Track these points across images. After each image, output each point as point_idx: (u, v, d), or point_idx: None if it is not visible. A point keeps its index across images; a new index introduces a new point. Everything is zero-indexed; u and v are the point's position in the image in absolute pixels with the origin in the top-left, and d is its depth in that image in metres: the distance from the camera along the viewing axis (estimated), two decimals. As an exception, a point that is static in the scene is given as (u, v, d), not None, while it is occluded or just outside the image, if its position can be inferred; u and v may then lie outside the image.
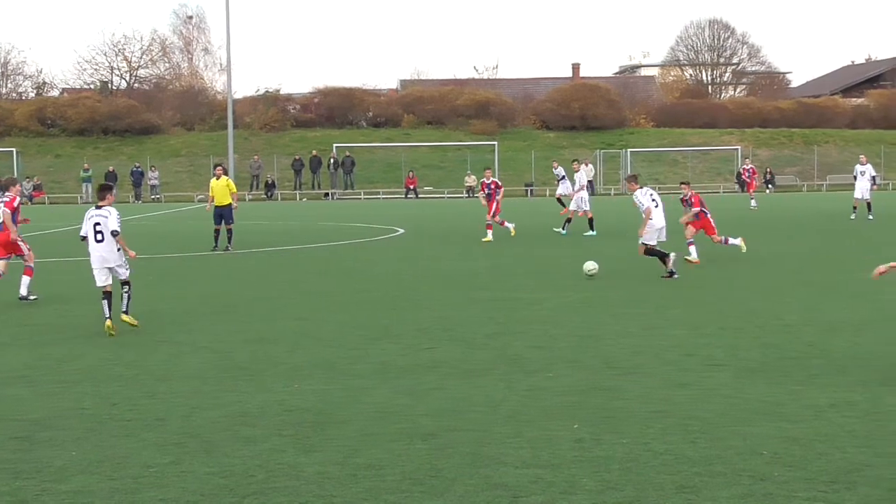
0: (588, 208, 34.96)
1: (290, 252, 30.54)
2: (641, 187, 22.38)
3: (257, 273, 24.67)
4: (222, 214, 30.42)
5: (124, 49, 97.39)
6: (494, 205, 32.45)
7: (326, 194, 76.03)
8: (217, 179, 30.67)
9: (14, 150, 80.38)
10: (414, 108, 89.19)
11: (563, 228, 34.41)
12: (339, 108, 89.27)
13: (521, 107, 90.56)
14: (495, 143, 79.76)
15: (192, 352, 14.38)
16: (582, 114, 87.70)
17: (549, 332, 15.47)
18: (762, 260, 25.17)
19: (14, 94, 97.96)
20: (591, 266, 21.99)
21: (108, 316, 15.89)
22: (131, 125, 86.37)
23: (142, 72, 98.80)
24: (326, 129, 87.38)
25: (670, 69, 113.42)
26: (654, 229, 21.80)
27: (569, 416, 10.30)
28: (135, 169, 76.65)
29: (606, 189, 79.07)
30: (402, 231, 37.51)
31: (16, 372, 12.98)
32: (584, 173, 36.09)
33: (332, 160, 77.10)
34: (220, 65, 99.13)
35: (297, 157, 78.30)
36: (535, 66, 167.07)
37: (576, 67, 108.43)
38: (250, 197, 74.18)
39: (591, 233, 34.11)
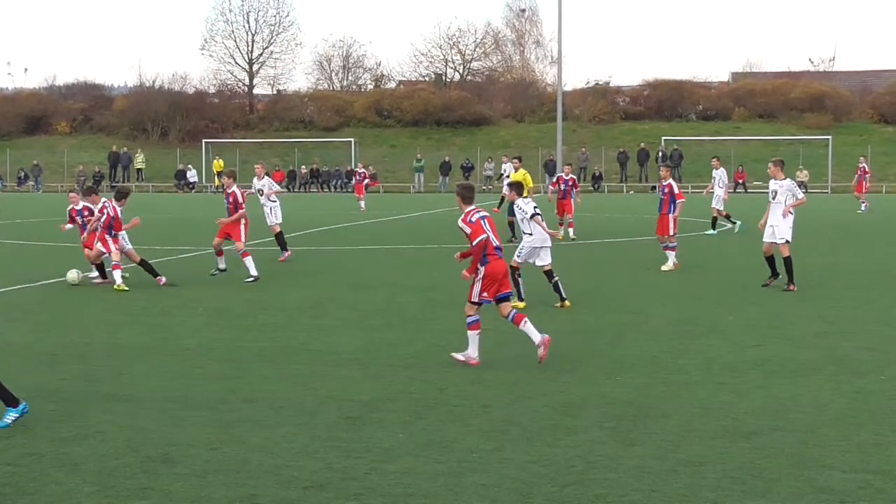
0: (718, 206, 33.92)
1: (619, 245, 30.49)
2: None
3: (586, 265, 24.76)
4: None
5: (459, 42, 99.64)
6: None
7: (653, 187, 75.43)
8: (515, 171, 31.17)
9: (353, 139, 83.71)
10: (745, 101, 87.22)
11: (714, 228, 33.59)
12: (668, 101, 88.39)
13: (859, 100, 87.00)
14: (829, 137, 77.01)
15: (516, 341, 14.58)
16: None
17: (883, 333, 14.86)
18: None
19: (354, 87, 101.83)
20: (72, 276, 20.93)
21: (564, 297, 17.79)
22: (463, 116, 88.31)
23: (475, 64, 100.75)
24: (655, 122, 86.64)
25: None
26: None
27: (901, 422, 9.88)
28: (465, 164, 78.27)
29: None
30: (739, 223, 36.75)
31: (349, 354, 13.52)
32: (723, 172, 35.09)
33: (660, 153, 76.44)
34: (551, 57, 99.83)
35: (622, 150, 77.99)
36: (876, 57, 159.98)
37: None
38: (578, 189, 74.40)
39: (712, 231, 33.36)
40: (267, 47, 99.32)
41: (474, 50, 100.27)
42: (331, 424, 9.91)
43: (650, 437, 9.38)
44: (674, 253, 22.82)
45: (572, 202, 32.06)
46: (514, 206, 18.52)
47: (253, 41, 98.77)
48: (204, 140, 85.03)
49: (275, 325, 16.02)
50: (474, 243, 12.74)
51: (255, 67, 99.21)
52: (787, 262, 19.27)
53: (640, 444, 9.16)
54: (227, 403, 10.78)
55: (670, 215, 22.86)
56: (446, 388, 11.55)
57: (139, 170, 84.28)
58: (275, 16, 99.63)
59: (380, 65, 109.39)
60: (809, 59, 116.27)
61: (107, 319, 16.53)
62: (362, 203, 50.25)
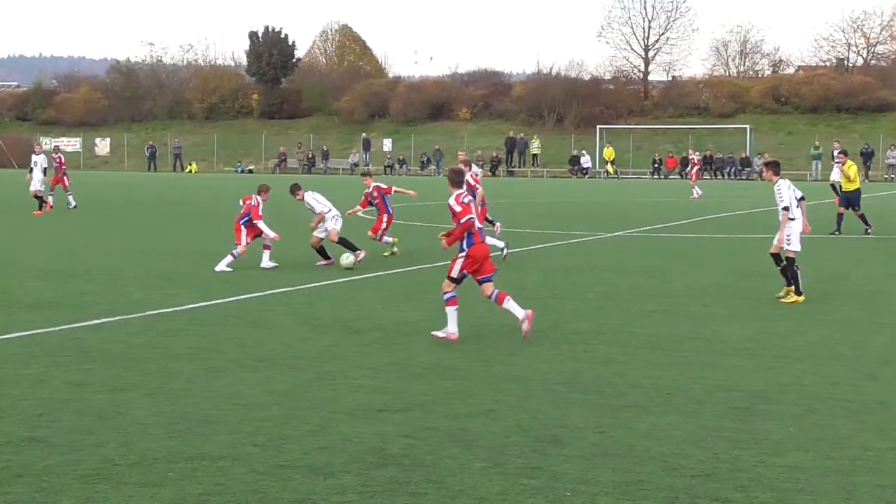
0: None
1: None
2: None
3: None
4: (849, 199, 29.33)
5: (863, 25, 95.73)
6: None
7: None
8: (843, 165, 29.85)
9: (748, 126, 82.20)
10: None
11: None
12: None
13: None
14: None
15: (918, 337, 13.91)
16: None
17: None
18: None
19: (751, 72, 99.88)
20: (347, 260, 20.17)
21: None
22: (865, 102, 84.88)
23: (880, 48, 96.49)
24: None
25: None
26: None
27: None
28: (865, 149, 75.26)
29: None
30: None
31: (738, 343, 13.29)
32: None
33: None
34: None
35: None
36: None
37: None
38: None
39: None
40: (663, 33, 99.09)
41: (880, 33, 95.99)
42: (719, 414, 9.77)
43: None
44: None
45: None
46: (775, 188, 17.32)
47: (649, 27, 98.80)
48: (598, 126, 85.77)
49: (663, 311, 15.96)
50: (462, 221, 13.38)
51: (650, 54, 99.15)
52: None
53: None
54: (615, 388, 10.82)
55: None
56: (840, 382, 11.14)
57: (534, 155, 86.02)
58: (672, 1, 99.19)
59: (778, 50, 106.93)
60: None
61: (500, 301, 16.93)
62: (695, 191, 50.09)
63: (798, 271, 16.98)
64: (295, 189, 21.63)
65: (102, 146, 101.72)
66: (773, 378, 11.32)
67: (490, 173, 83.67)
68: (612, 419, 9.56)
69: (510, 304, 13.55)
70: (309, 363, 11.96)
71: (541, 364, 12.04)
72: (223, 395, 10.37)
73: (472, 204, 13.69)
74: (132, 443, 8.67)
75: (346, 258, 20.77)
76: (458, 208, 13.55)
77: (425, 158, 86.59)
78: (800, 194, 17.39)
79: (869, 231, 28.96)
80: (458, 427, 9.26)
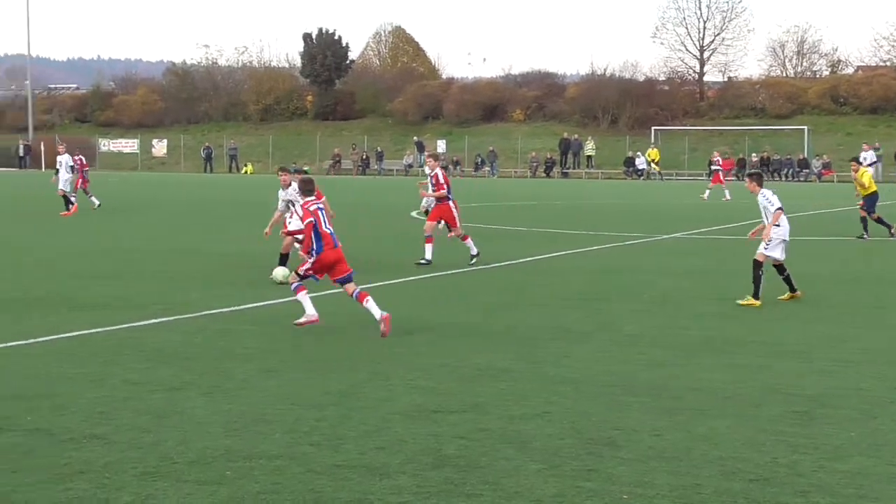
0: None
1: None
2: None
3: None
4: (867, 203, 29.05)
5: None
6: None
7: None
8: (869, 165, 29.71)
9: (805, 127, 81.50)
10: None
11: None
12: None
13: None
14: None
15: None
16: None
17: None
18: None
19: (808, 73, 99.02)
20: (280, 274, 18.73)
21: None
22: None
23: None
24: None
25: None
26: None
27: None
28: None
29: None
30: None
31: (795, 347, 13.17)
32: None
33: None
34: None
35: None
36: None
37: None
38: None
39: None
40: (718, 34, 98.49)
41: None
42: (776, 418, 9.68)
43: None
44: None
45: None
46: (759, 197, 17.26)
47: (704, 28, 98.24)
48: (653, 127, 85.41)
49: (719, 314, 15.86)
50: (304, 223, 14.27)
51: (705, 54, 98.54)
52: None
53: None
54: (670, 391, 10.76)
55: None
56: (901, 387, 11.03)
57: (589, 157, 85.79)
58: (727, 1, 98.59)
59: (836, 50, 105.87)
60: None
61: (550, 303, 16.89)
62: (706, 193, 50.70)
63: (762, 276, 16.82)
64: (284, 171, 20.19)
65: (159, 147, 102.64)
66: (831, 382, 11.21)
67: (545, 174, 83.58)
68: (668, 422, 9.51)
69: (369, 304, 13.88)
70: (363, 364, 11.99)
71: (593, 366, 11.99)
72: (279, 394, 10.43)
73: (319, 211, 14.20)
74: (190, 441, 8.74)
75: (283, 273, 18.77)
76: (300, 212, 14.64)
77: (479, 160, 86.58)
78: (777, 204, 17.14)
79: (865, 237, 28.48)
80: (512, 429, 9.25)
